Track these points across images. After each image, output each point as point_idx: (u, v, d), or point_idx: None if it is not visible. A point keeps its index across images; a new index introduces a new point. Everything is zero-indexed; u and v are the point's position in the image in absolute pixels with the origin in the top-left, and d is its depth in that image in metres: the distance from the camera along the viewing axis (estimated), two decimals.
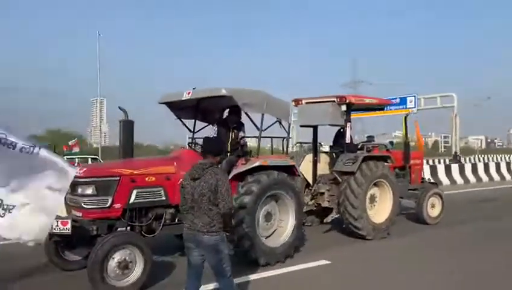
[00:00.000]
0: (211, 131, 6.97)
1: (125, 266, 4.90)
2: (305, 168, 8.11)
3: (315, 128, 8.55)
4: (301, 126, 8.41)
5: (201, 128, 7.29)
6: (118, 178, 5.31)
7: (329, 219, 7.94)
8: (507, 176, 21.64)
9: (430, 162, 31.35)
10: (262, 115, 6.36)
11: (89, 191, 5.19)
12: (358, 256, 6.80)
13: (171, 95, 6.73)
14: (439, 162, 31.52)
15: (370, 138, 9.20)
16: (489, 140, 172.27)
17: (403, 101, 30.19)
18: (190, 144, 7.01)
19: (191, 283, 3.96)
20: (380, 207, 8.00)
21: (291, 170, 6.56)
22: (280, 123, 6.71)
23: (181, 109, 6.97)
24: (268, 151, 7.62)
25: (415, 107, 30.24)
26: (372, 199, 7.91)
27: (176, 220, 5.89)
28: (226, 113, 7.10)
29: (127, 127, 6.15)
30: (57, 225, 4.81)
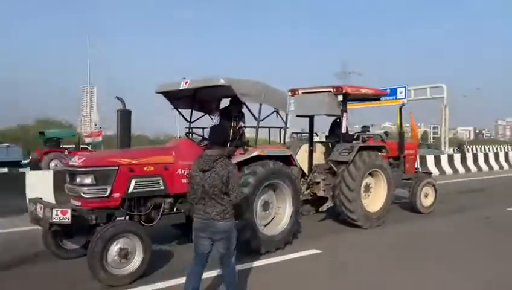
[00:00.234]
0: (211, 121, 6.96)
1: (125, 255, 4.92)
2: (301, 158, 8.16)
3: (311, 118, 8.59)
4: (297, 116, 8.44)
5: (198, 118, 7.29)
6: (117, 168, 5.31)
7: (324, 207, 8.02)
8: (495, 167, 21.98)
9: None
10: (260, 105, 6.37)
11: (88, 180, 5.19)
12: (350, 245, 6.88)
13: (168, 84, 6.70)
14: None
15: (365, 128, 9.27)
16: (477, 131, 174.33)
17: (393, 92, 30.26)
18: (187, 134, 7.01)
19: (195, 270, 4.02)
20: (375, 196, 8.12)
21: (288, 160, 6.61)
22: (277, 113, 6.75)
23: (178, 98, 6.95)
24: (265, 141, 7.65)
25: (405, 98, 30.41)
26: (367, 188, 8.01)
27: (175, 209, 5.93)
28: (225, 103, 7.10)
29: (125, 116, 6.10)
30: (57, 214, 4.81)
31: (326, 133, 9.14)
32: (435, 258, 6.05)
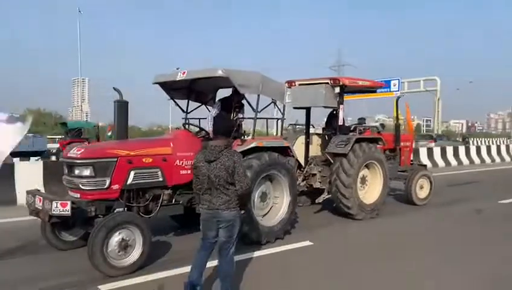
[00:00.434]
0: (207, 112, 6.94)
1: (125, 246, 4.93)
2: (298, 150, 8.17)
3: (308, 110, 8.60)
4: (294, 108, 8.44)
5: (194, 109, 7.28)
6: (116, 159, 5.29)
7: (320, 199, 8.05)
8: (487, 159, 22.17)
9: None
10: (258, 96, 6.36)
11: (87, 172, 5.17)
12: (343, 237, 6.91)
13: (165, 75, 6.66)
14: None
15: (361, 120, 9.30)
16: (469, 124, 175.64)
17: (387, 84, 30.45)
18: (184, 125, 6.99)
19: (201, 255, 4.08)
20: (371, 188, 8.18)
21: (285, 151, 6.62)
22: (275, 104, 6.75)
23: (174, 89, 6.91)
24: (260, 133, 7.66)
25: (398, 90, 30.57)
26: (363, 180, 8.06)
27: (173, 201, 5.93)
28: (222, 93, 7.09)
29: (122, 107, 6.07)
30: (57, 207, 4.79)
31: (323, 125, 9.16)
32: (426, 250, 6.10)
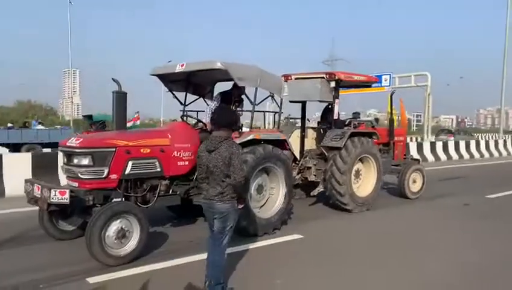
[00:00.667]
0: (209, 105, 6.97)
1: (122, 235, 4.96)
2: (293, 143, 8.22)
3: (303, 104, 8.66)
4: (290, 102, 8.50)
5: (192, 102, 7.31)
6: (114, 149, 5.31)
7: (315, 192, 8.14)
8: (476, 154, 22.46)
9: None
10: (256, 89, 6.41)
11: (86, 161, 5.19)
12: (334, 230, 6.91)
13: (163, 67, 6.69)
14: (411, 140, 32.44)
15: (356, 115, 9.40)
16: (459, 119, 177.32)
17: (378, 79, 30.56)
18: (182, 117, 7.02)
19: (211, 244, 4.13)
20: (365, 182, 8.29)
21: (282, 144, 6.69)
22: (272, 98, 6.80)
23: (172, 81, 6.94)
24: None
25: (389, 85, 30.71)
26: (357, 173, 8.15)
27: (170, 191, 5.97)
28: (220, 87, 7.11)
29: (120, 98, 6.07)
30: (55, 195, 4.80)
31: (318, 119, 9.23)
32: (414, 243, 6.15)
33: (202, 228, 6.56)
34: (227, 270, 4.39)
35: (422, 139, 27.61)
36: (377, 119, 10.86)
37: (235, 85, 6.64)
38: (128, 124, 26.93)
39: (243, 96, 6.77)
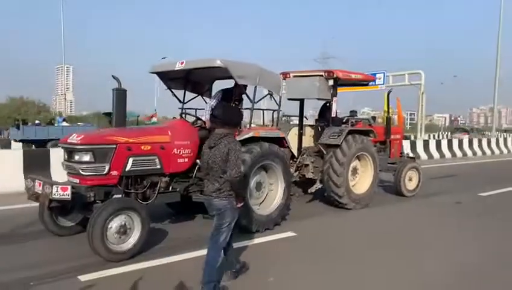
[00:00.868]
0: (209, 102, 6.98)
1: (124, 231, 4.99)
2: (291, 141, 8.28)
3: (301, 101, 8.72)
4: (289, 99, 8.55)
5: (191, 99, 7.33)
6: (115, 146, 5.34)
7: (313, 189, 8.19)
8: (468, 152, 22.67)
9: None
10: (255, 87, 6.45)
11: (87, 158, 5.22)
12: (328, 228, 6.91)
13: (163, 65, 6.72)
14: (405, 138, 32.65)
15: (353, 113, 9.47)
16: (452, 118, 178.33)
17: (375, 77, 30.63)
18: (181, 114, 7.05)
19: (210, 245, 4.14)
20: (361, 179, 8.37)
21: (280, 142, 6.73)
22: (271, 96, 6.85)
23: (171, 79, 6.96)
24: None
25: (383, 83, 30.80)
26: (354, 171, 8.23)
27: (170, 188, 6.01)
28: (219, 85, 7.14)
29: (120, 95, 6.08)
30: (57, 191, 4.83)
31: (313, 116, 9.28)
32: (410, 241, 6.17)
33: (200, 225, 6.63)
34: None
35: (415, 137, 27.76)
36: (374, 118, 10.94)
37: (237, 84, 6.68)
38: (147, 120, 27.45)
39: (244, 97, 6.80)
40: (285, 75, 8.28)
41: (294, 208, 7.64)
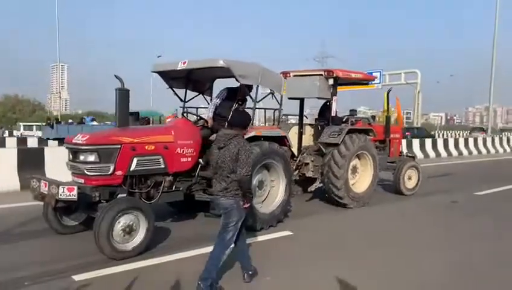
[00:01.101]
0: (213, 100, 7.02)
1: (129, 230, 5.05)
2: (291, 140, 8.34)
3: (301, 101, 8.78)
4: (289, 99, 8.60)
5: (192, 98, 7.38)
6: (119, 146, 5.38)
7: (312, 188, 8.25)
8: (464, 152, 22.83)
9: None
10: (257, 86, 6.51)
11: (92, 158, 5.26)
12: (326, 226, 6.93)
13: (165, 64, 6.75)
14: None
15: (353, 112, 9.54)
16: (448, 117, 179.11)
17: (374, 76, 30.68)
18: (183, 114, 7.09)
19: (216, 241, 4.23)
20: (361, 178, 8.44)
21: (282, 141, 6.79)
22: (273, 95, 6.90)
23: (173, 78, 7.00)
24: None
25: (379, 82, 30.90)
26: (354, 170, 8.30)
27: (173, 187, 6.06)
28: (222, 83, 7.17)
29: (123, 95, 6.11)
30: (63, 191, 4.87)
31: (310, 115, 9.34)
32: (408, 240, 6.20)
33: (202, 223, 6.68)
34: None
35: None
36: (373, 117, 11.03)
37: (242, 84, 6.68)
38: (170, 119, 28.07)
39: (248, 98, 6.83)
40: (285, 74, 8.34)
41: (294, 206, 7.68)
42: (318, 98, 8.24)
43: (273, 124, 7.34)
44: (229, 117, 4.12)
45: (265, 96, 6.94)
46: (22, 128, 34.13)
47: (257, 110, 7.72)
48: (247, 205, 4.12)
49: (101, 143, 5.33)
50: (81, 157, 5.27)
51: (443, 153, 21.55)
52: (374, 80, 12.19)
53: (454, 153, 22.24)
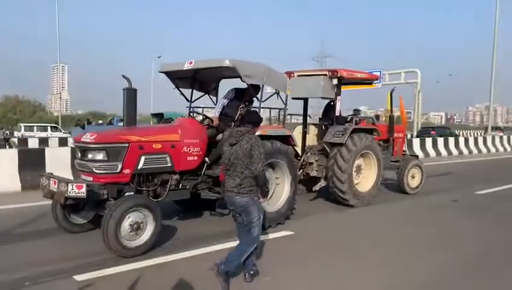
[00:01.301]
0: (221, 99, 7.07)
1: (137, 227, 5.10)
2: (295, 139, 8.40)
3: (306, 100, 8.83)
4: (293, 98, 8.65)
5: (198, 98, 7.44)
6: (127, 145, 5.44)
7: (317, 187, 8.29)
8: (464, 151, 22.89)
9: None
10: (262, 86, 6.56)
11: (100, 156, 5.32)
12: (328, 226, 6.94)
13: (172, 64, 6.81)
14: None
15: (356, 112, 9.58)
16: (448, 116, 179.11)
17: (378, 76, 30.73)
18: (190, 113, 7.15)
19: (239, 234, 4.35)
20: (365, 177, 8.49)
21: (287, 140, 6.83)
22: (278, 94, 6.96)
23: (179, 78, 7.07)
24: None
25: (379, 82, 30.89)
26: (358, 169, 8.34)
27: (180, 185, 6.11)
28: (225, 84, 7.23)
29: (131, 95, 6.17)
30: (73, 189, 4.92)
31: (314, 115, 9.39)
32: (411, 239, 6.21)
33: (208, 222, 6.73)
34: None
35: (412, 136, 27.98)
36: (377, 116, 11.08)
37: (250, 86, 6.68)
38: None
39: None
40: (289, 74, 8.39)
41: (297, 205, 7.66)
42: (322, 98, 8.28)
43: (278, 124, 7.40)
44: (242, 116, 4.19)
45: (271, 96, 6.99)
46: (22, 129, 34.14)
47: (261, 109, 7.80)
48: (262, 200, 4.22)
49: (109, 142, 5.39)
50: (90, 156, 5.34)
51: (443, 152, 21.60)
52: (377, 80, 12.24)
53: (455, 152, 22.28)
